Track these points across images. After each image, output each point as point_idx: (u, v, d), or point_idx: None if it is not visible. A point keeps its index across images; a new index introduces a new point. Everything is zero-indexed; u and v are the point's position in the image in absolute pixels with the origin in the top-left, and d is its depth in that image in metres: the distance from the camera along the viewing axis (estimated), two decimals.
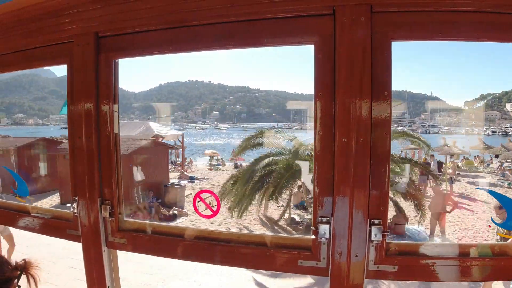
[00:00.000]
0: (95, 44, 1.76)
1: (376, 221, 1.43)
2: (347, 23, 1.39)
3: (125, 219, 1.86)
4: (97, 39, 1.77)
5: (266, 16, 1.50)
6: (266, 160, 10.44)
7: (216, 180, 15.69)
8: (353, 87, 1.38)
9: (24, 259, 1.43)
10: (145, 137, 14.80)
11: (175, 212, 11.63)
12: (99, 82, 1.77)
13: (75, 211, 1.87)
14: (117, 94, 1.79)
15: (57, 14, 1.85)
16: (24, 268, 1.41)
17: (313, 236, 1.50)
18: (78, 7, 1.79)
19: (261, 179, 10.10)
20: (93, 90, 1.77)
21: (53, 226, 2.06)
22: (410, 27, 1.40)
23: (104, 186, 1.82)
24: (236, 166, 17.98)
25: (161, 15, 1.64)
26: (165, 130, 17.18)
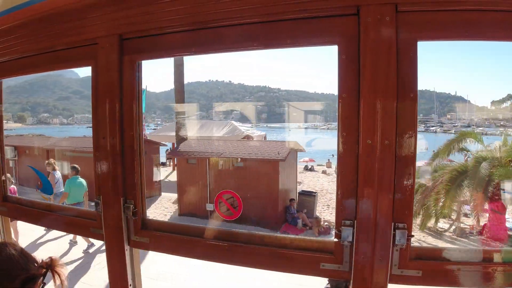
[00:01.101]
0: (119, 46, 1.79)
1: (401, 225, 1.40)
2: (371, 23, 1.36)
3: (147, 218, 1.89)
4: (121, 41, 1.79)
5: (289, 16, 1.49)
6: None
7: (318, 184, 14.70)
8: (378, 88, 1.36)
9: (50, 257, 1.44)
10: (236, 137, 14.28)
11: (327, 224, 10.63)
12: (123, 83, 1.80)
13: (99, 209, 1.91)
14: (141, 95, 1.81)
15: (82, 17, 1.88)
16: (50, 266, 1.40)
17: (335, 239, 1.48)
18: (101, 10, 1.82)
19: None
20: (117, 91, 1.80)
21: (77, 224, 2.10)
22: (435, 26, 1.36)
23: (127, 185, 1.85)
24: (306, 168, 17.42)
25: (184, 16, 1.65)
26: (251, 130, 16.40)
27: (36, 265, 1.36)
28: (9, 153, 15.24)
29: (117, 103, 1.80)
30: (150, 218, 1.89)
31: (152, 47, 1.77)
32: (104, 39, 1.82)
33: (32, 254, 1.41)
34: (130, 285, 1.89)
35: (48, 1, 1.87)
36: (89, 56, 1.90)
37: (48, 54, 2.11)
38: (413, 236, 1.42)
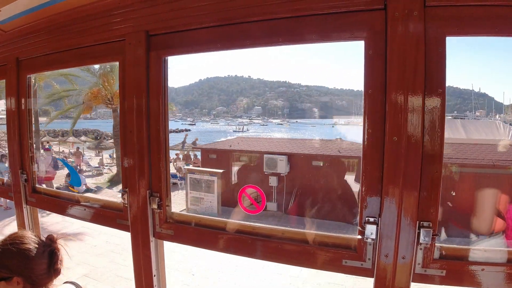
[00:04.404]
0: (146, 43, 1.83)
1: (426, 224, 1.38)
2: (399, 17, 1.34)
3: (172, 211, 1.93)
4: (148, 37, 1.83)
5: (315, 12, 1.48)
6: None
7: None
8: (405, 84, 1.34)
9: (50, 234, 1.60)
10: None
11: None
12: (149, 79, 1.84)
13: (125, 201, 1.96)
14: (167, 90, 1.85)
15: (109, 14, 1.94)
16: (54, 241, 1.58)
17: (359, 236, 1.48)
18: (129, 6, 1.86)
19: None
20: (144, 86, 1.84)
21: (103, 215, 2.17)
22: (464, 22, 1.32)
23: (153, 178, 1.89)
24: None
25: (210, 13, 1.67)
26: None
27: (48, 242, 1.57)
28: (283, 166, 11.69)
29: (144, 98, 1.84)
30: (174, 211, 1.93)
31: (178, 43, 1.80)
32: (132, 35, 1.86)
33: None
34: (155, 276, 1.94)
35: None
36: (116, 52, 1.95)
37: (76, 50, 2.17)
38: (438, 235, 1.40)
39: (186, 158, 17.94)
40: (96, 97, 16.99)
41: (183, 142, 20.94)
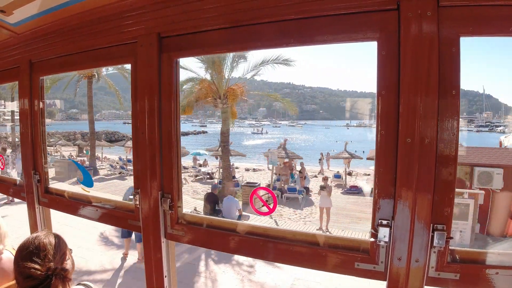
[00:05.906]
0: (158, 44, 1.84)
1: (440, 227, 1.36)
2: (412, 18, 1.33)
3: (183, 212, 1.93)
4: (160, 39, 1.84)
5: (326, 13, 1.47)
6: None
7: None
8: (419, 85, 1.32)
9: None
10: None
11: None
12: (161, 80, 1.85)
13: (137, 203, 1.97)
14: (178, 91, 1.86)
15: (121, 16, 1.95)
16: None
17: (371, 239, 1.47)
18: (141, 9, 1.88)
19: None
20: (156, 87, 1.85)
21: (115, 216, 2.19)
22: (479, 22, 1.30)
23: (164, 180, 1.90)
24: None
25: (221, 15, 1.68)
26: None
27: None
28: (499, 181, 9.08)
29: (155, 99, 1.85)
30: (185, 212, 1.94)
31: (189, 44, 1.81)
32: (144, 37, 1.88)
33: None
34: (166, 276, 1.95)
35: (88, 1, 1.94)
36: (129, 53, 1.96)
37: (89, 52, 2.19)
38: (452, 238, 1.38)
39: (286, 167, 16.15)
40: (206, 94, 14.05)
41: (284, 148, 18.37)
